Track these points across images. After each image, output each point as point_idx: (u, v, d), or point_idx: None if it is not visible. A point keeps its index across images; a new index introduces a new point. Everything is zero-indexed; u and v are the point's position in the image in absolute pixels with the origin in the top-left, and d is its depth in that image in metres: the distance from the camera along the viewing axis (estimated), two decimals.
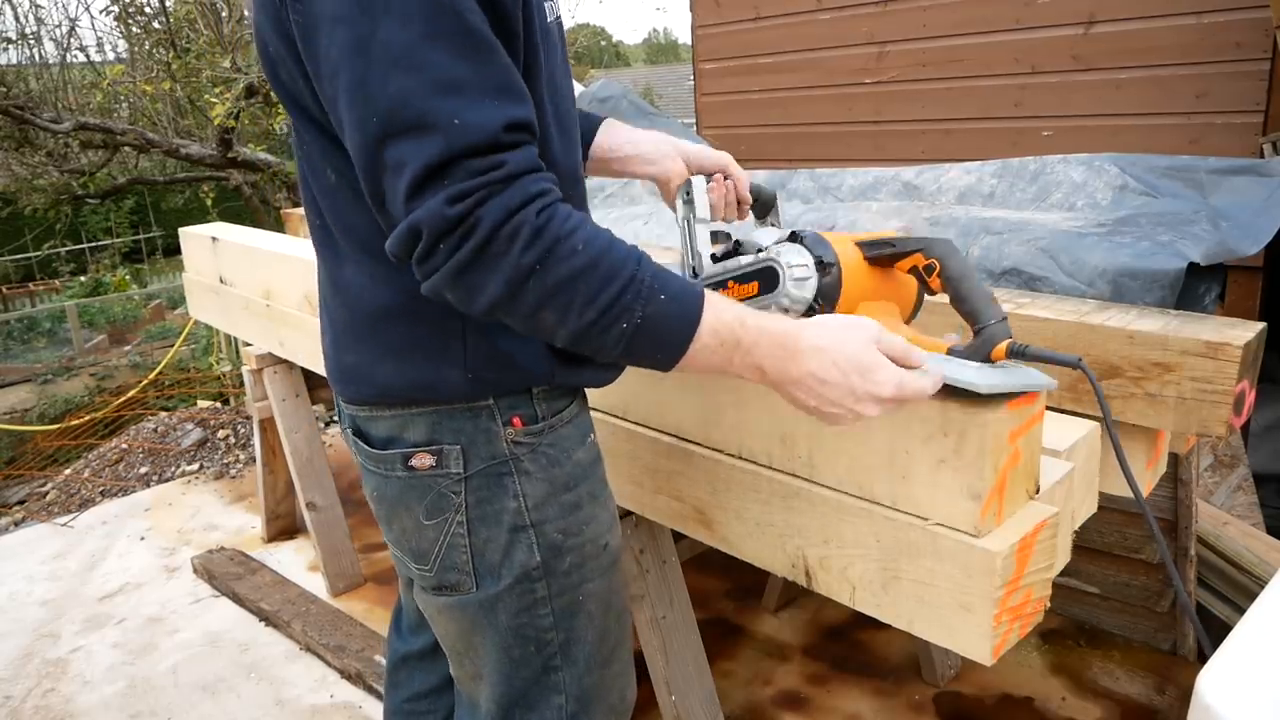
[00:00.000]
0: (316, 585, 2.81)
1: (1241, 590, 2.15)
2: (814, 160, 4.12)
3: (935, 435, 1.05)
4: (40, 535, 3.45)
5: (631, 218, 2.53)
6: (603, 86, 3.20)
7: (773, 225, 1.37)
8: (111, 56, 7.82)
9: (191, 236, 3.00)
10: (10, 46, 7.36)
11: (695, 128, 4.68)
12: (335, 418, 4.39)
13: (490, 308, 0.88)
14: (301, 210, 3.33)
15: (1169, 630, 2.23)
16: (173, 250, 12.29)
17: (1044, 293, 1.70)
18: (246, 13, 5.60)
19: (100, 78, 6.99)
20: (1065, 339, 1.48)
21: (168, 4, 6.47)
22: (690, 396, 1.37)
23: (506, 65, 0.88)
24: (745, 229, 1.27)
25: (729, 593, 2.61)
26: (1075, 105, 3.38)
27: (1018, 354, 1.02)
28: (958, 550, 1.06)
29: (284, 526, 3.21)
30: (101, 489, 3.96)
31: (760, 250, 1.15)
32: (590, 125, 1.33)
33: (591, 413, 1.21)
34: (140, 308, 9.91)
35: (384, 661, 2.37)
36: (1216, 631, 1.49)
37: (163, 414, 4.74)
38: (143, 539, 3.33)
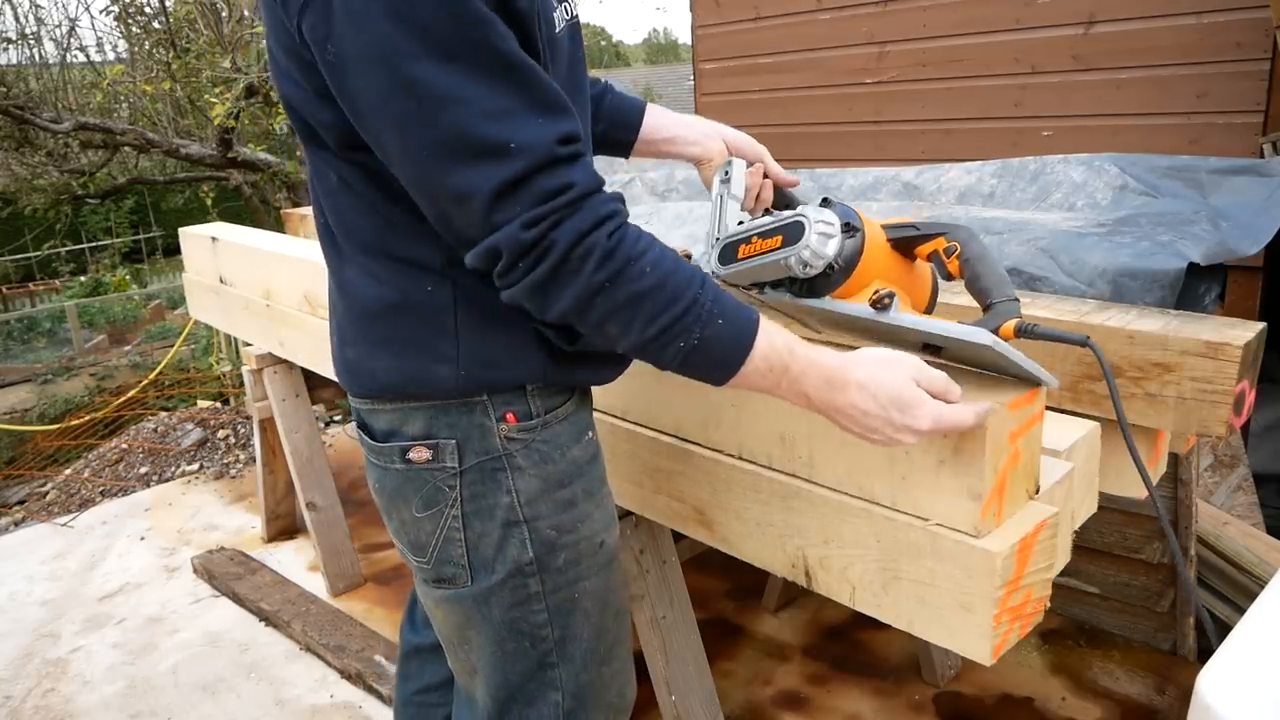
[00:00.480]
0: (316, 585, 2.82)
1: (1241, 590, 2.15)
2: (814, 160, 4.13)
3: (935, 436, 1.05)
4: (40, 535, 3.44)
5: (632, 217, 2.52)
6: None
7: None
8: (111, 56, 7.81)
9: (191, 236, 3.00)
10: (10, 46, 7.35)
11: None
12: (335, 418, 4.39)
13: (561, 317, 0.95)
14: (301, 210, 3.34)
15: (1169, 630, 2.23)
16: (173, 250, 12.28)
17: (1044, 293, 1.70)
18: (247, 13, 5.60)
19: (100, 78, 6.98)
20: None
21: (168, 4, 6.46)
22: (690, 396, 1.37)
23: (546, 83, 0.92)
24: None
25: (729, 593, 2.61)
26: (1075, 105, 3.38)
27: (1026, 332, 1.03)
28: (958, 550, 1.06)
29: (284, 526, 3.21)
30: (101, 489, 3.96)
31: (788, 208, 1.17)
32: (636, 108, 1.37)
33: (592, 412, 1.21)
34: (140, 308, 9.91)
35: (384, 662, 2.38)
36: (1216, 631, 1.49)
37: (163, 414, 4.73)
38: (143, 539, 3.33)
